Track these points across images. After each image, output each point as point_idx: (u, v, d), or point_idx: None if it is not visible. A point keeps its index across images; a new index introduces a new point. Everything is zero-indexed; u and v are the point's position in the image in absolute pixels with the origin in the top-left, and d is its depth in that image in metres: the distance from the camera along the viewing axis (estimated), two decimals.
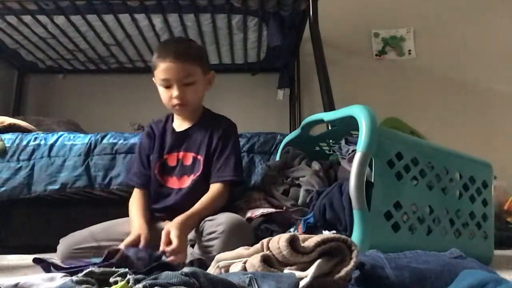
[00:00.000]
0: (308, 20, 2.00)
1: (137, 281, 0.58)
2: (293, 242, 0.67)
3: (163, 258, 1.14)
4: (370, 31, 2.98)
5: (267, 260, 0.68)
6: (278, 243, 0.68)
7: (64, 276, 0.89)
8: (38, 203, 2.15)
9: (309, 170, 1.44)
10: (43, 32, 2.38)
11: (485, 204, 1.35)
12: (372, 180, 1.10)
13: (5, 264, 1.45)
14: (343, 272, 0.67)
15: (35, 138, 1.85)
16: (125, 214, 1.41)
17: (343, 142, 1.36)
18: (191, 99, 1.39)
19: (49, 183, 1.78)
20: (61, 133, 1.89)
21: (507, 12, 2.96)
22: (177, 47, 1.39)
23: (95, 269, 0.67)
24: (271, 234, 1.27)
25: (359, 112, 1.15)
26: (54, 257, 1.22)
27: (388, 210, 1.12)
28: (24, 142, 1.84)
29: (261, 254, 0.69)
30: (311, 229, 1.21)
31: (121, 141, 1.80)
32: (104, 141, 1.80)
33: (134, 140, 1.79)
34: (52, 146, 1.81)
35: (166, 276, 0.57)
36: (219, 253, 1.06)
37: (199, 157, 1.41)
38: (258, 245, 0.74)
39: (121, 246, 1.16)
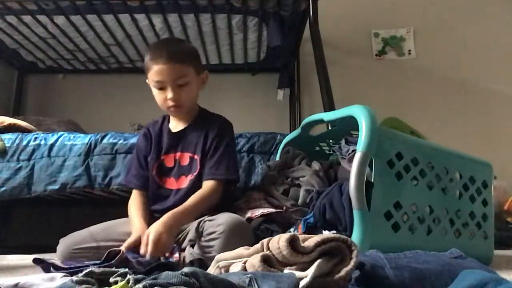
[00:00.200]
0: (308, 20, 2.00)
1: (137, 281, 0.58)
2: (293, 242, 0.67)
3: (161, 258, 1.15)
4: (370, 31, 2.98)
5: (267, 260, 0.68)
6: (278, 243, 0.68)
7: (64, 276, 0.89)
8: (38, 203, 2.15)
9: (309, 170, 1.44)
10: (43, 32, 2.38)
11: (485, 204, 1.35)
12: (372, 180, 1.10)
13: (5, 264, 1.45)
14: (343, 272, 0.67)
15: (35, 138, 1.85)
16: (125, 214, 1.41)
17: (343, 142, 1.36)
18: (186, 100, 1.39)
19: (49, 183, 1.78)
20: (61, 133, 1.89)
21: (507, 12, 2.96)
22: (169, 48, 1.38)
23: (95, 269, 0.67)
24: (271, 234, 1.27)
25: (359, 112, 1.15)
26: (54, 257, 1.22)
27: (388, 210, 1.12)
28: (24, 142, 1.84)
29: (261, 254, 0.69)
30: (311, 229, 1.21)
31: (121, 141, 1.80)
32: (104, 141, 1.81)
33: (134, 140, 1.79)
34: (52, 146, 1.81)
35: (166, 276, 0.57)
36: (219, 253, 1.07)
37: (195, 157, 1.41)
38: (258, 245, 0.74)
39: (122, 248, 1.16)
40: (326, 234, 0.85)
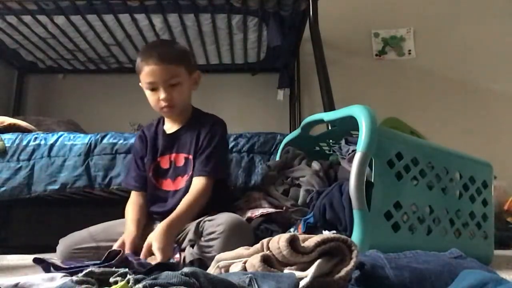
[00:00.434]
0: (308, 20, 2.00)
1: (137, 281, 0.58)
2: (293, 242, 0.67)
3: None
4: (370, 31, 2.98)
5: (267, 260, 0.68)
6: (278, 243, 0.68)
7: (64, 276, 0.89)
8: (38, 203, 2.15)
9: (309, 170, 1.44)
10: (43, 32, 2.38)
11: (485, 204, 1.35)
12: (372, 180, 1.10)
13: (5, 264, 1.45)
14: (343, 272, 0.67)
15: (35, 138, 1.85)
16: (125, 214, 1.41)
17: (343, 142, 1.36)
18: (178, 100, 1.39)
19: (49, 183, 1.78)
20: (61, 133, 1.90)
21: (507, 12, 2.96)
22: (160, 49, 1.38)
23: (95, 269, 0.67)
24: (271, 234, 1.27)
25: (359, 112, 1.15)
26: (54, 257, 1.22)
27: (388, 210, 1.12)
28: (24, 142, 1.84)
29: (261, 254, 0.69)
30: (311, 229, 1.21)
31: (121, 141, 1.80)
32: (104, 141, 1.81)
33: (134, 140, 1.79)
34: (52, 146, 1.81)
35: (166, 276, 0.57)
36: (219, 253, 1.07)
37: (190, 157, 1.41)
38: (258, 245, 0.74)
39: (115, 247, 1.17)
40: (326, 234, 0.85)
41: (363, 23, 2.96)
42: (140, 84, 1.42)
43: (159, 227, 1.23)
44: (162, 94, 1.35)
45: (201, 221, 1.28)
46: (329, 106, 1.82)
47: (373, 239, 1.05)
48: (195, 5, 2.10)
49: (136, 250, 1.22)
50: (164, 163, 1.44)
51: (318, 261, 0.67)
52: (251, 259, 0.70)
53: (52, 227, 2.24)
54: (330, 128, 1.57)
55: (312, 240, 0.68)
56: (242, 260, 0.73)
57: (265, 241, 0.73)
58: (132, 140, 1.79)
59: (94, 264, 0.97)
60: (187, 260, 1.23)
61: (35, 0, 2.04)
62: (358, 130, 1.13)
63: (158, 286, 0.55)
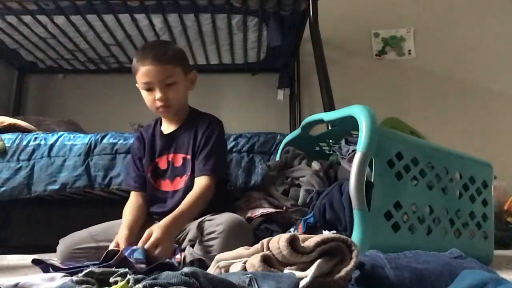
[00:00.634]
0: (308, 20, 2.00)
1: (137, 281, 0.58)
2: (293, 242, 0.67)
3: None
4: (370, 31, 2.98)
5: (267, 260, 0.68)
6: (278, 243, 0.68)
7: (64, 276, 0.89)
8: (38, 203, 2.15)
9: (309, 170, 1.44)
10: (43, 32, 2.38)
11: (485, 204, 1.35)
12: (372, 180, 1.10)
13: (5, 264, 1.45)
14: (343, 272, 0.67)
15: (35, 138, 1.85)
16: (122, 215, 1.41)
17: (343, 142, 1.36)
18: (174, 100, 1.39)
19: (49, 183, 1.78)
20: (61, 133, 1.89)
21: (507, 12, 2.96)
22: (156, 50, 1.38)
23: (95, 269, 0.67)
24: (271, 234, 1.27)
25: (359, 112, 1.15)
26: (53, 258, 1.22)
27: (388, 210, 1.12)
28: (24, 142, 1.84)
29: (261, 254, 0.69)
30: (311, 229, 1.21)
31: (121, 141, 1.80)
32: (104, 141, 1.81)
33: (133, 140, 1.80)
34: (52, 146, 1.81)
35: (166, 276, 0.57)
36: (219, 253, 1.07)
37: (188, 157, 1.41)
38: (258, 245, 0.74)
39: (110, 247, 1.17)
40: (326, 234, 0.85)
41: (363, 23, 2.96)
42: (136, 84, 1.42)
43: (162, 221, 1.23)
44: (157, 94, 1.36)
45: (201, 221, 1.28)
46: (329, 106, 1.82)
47: (373, 239, 1.05)
48: (195, 5, 2.10)
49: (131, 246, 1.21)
50: (162, 164, 1.44)
51: (318, 261, 0.67)
52: (251, 259, 0.70)
53: (52, 227, 2.24)
54: (330, 128, 1.57)
55: (312, 240, 0.68)
56: (242, 260, 0.73)
57: (265, 241, 0.73)
58: (132, 140, 1.79)
59: (94, 264, 0.97)
60: (187, 260, 1.23)
61: (35, 0, 2.04)
62: (358, 130, 1.13)
63: (158, 286, 0.55)
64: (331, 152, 1.58)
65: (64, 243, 1.33)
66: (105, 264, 0.96)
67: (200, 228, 1.26)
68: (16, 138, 1.85)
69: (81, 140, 1.82)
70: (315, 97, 2.67)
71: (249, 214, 1.36)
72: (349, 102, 1.28)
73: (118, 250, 1.01)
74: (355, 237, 1.05)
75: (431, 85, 2.88)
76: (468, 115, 2.82)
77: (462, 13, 2.97)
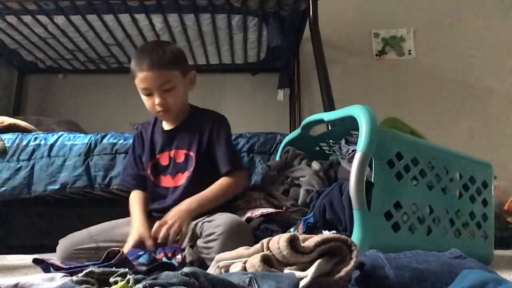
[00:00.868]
0: (308, 20, 2.00)
1: (137, 281, 0.58)
2: (293, 242, 0.67)
3: (164, 259, 1.15)
4: (370, 31, 2.98)
5: (267, 260, 0.68)
6: (278, 243, 0.68)
7: (64, 276, 0.89)
8: (38, 203, 2.15)
9: (309, 170, 1.44)
10: (43, 32, 2.38)
11: (485, 204, 1.35)
12: (372, 180, 1.10)
13: (5, 264, 1.45)
14: (343, 272, 0.67)
15: (35, 138, 1.85)
16: (125, 214, 1.41)
17: (343, 142, 1.36)
18: (173, 104, 1.39)
19: (49, 183, 1.78)
20: (61, 133, 1.90)
21: (507, 12, 2.96)
22: (152, 55, 1.35)
23: (95, 269, 0.67)
24: (271, 234, 1.27)
25: (359, 112, 1.15)
26: (53, 258, 1.22)
27: (388, 210, 1.12)
28: (24, 142, 1.84)
29: (261, 254, 0.69)
30: (311, 229, 1.21)
31: (121, 141, 1.80)
32: (104, 141, 1.81)
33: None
34: (52, 146, 1.81)
35: (166, 276, 0.57)
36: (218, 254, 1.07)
37: (191, 153, 1.41)
38: (258, 245, 0.74)
39: (125, 249, 1.18)
40: (326, 234, 0.85)
41: (363, 23, 2.96)
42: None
43: (179, 205, 1.29)
44: (156, 100, 1.36)
45: (198, 222, 1.28)
46: (329, 106, 1.82)
47: (373, 239, 1.05)
48: (195, 5, 2.10)
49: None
50: (164, 160, 1.44)
51: (318, 261, 0.67)
52: (251, 259, 0.70)
53: (52, 227, 2.24)
54: (330, 128, 1.57)
55: (312, 240, 0.68)
56: (242, 260, 0.73)
57: (265, 241, 0.73)
58: (132, 140, 1.79)
59: (94, 264, 0.97)
60: (187, 260, 1.23)
61: (35, 0, 2.04)
62: (358, 130, 1.13)
63: (158, 286, 0.55)
64: (331, 152, 1.58)
65: (64, 243, 1.33)
66: (105, 264, 0.96)
67: (199, 229, 1.26)
68: (16, 138, 1.85)
69: (81, 140, 1.82)
70: (315, 97, 2.67)
71: (249, 214, 1.36)
72: (349, 102, 1.28)
73: (119, 250, 1.00)
74: (355, 237, 1.05)
75: (431, 85, 2.88)
76: (468, 115, 2.83)
77: (462, 13, 2.97)
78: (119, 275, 0.64)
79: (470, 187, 1.32)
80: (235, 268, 0.73)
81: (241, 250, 0.77)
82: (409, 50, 2.95)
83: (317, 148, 1.63)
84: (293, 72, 2.82)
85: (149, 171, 1.44)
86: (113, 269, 0.67)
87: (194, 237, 1.27)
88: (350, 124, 1.23)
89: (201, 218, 1.29)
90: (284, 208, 1.37)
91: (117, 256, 0.93)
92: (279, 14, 2.15)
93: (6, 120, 2.01)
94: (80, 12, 2.16)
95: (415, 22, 2.97)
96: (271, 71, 2.90)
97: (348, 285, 0.69)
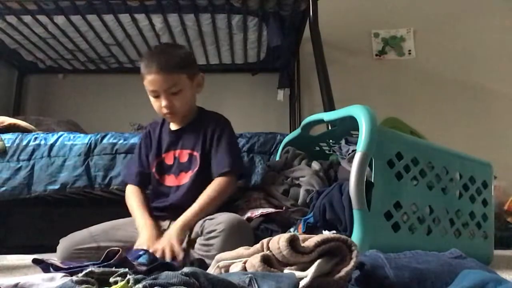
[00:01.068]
0: (308, 20, 2.00)
1: (137, 281, 0.58)
2: (293, 242, 0.67)
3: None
4: (370, 31, 2.98)
5: (267, 260, 0.68)
6: (278, 243, 0.68)
7: (64, 276, 0.89)
8: (38, 203, 2.15)
9: (309, 170, 1.44)
10: (43, 32, 2.38)
11: (485, 204, 1.35)
12: (372, 180, 1.10)
13: (5, 264, 1.45)
14: (343, 272, 0.67)
15: (35, 138, 1.85)
16: (125, 214, 1.41)
17: (343, 142, 1.36)
18: (180, 107, 1.41)
19: (49, 183, 1.78)
20: (61, 133, 1.90)
21: (507, 12, 2.96)
22: (160, 58, 1.38)
23: (95, 269, 0.67)
24: (271, 234, 1.27)
25: (359, 112, 1.15)
26: (54, 258, 1.22)
27: (388, 210, 1.12)
28: (24, 142, 1.84)
29: (261, 254, 0.69)
30: (311, 229, 1.21)
31: (121, 141, 1.80)
32: (104, 141, 1.81)
33: (134, 140, 1.80)
34: (52, 146, 1.81)
35: (166, 276, 0.57)
36: (219, 251, 1.08)
37: (195, 153, 1.43)
38: (258, 245, 0.74)
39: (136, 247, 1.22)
40: (326, 234, 0.85)
41: (363, 23, 2.96)
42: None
43: (174, 228, 1.28)
44: (163, 102, 1.38)
45: (200, 220, 1.29)
46: (329, 106, 1.82)
47: (373, 239, 1.05)
48: (195, 5, 2.10)
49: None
50: (169, 159, 1.46)
51: (318, 261, 0.67)
52: (251, 259, 0.70)
53: (52, 227, 2.24)
54: (330, 128, 1.57)
55: (312, 240, 0.68)
56: (242, 260, 0.73)
57: (265, 241, 0.73)
58: (132, 140, 1.79)
59: (94, 264, 0.97)
60: (186, 258, 1.23)
61: (35, 0, 2.04)
62: (358, 130, 1.13)
63: (158, 286, 0.55)
64: (331, 152, 1.58)
65: (65, 243, 1.33)
66: (105, 264, 0.96)
67: (200, 227, 1.27)
68: (16, 138, 1.85)
69: (81, 140, 1.82)
70: (315, 97, 2.67)
71: (249, 214, 1.36)
72: (349, 102, 1.28)
73: (119, 250, 1.01)
74: (355, 237, 1.05)
75: (431, 85, 2.88)
76: (468, 114, 2.82)
77: (462, 13, 2.96)
78: (119, 275, 0.64)
79: (470, 187, 1.32)
80: (235, 268, 0.73)
81: (241, 250, 0.77)
82: (409, 50, 2.95)
83: (317, 148, 1.63)
84: (293, 72, 2.82)
85: (154, 170, 1.46)
86: (113, 269, 0.67)
87: (195, 236, 1.27)
88: (350, 124, 1.23)
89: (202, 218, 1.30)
90: (284, 208, 1.37)
91: (117, 256, 0.93)
92: (279, 14, 2.15)
93: (6, 120, 2.01)
94: (80, 12, 2.16)
95: (415, 22, 2.97)
96: (271, 71, 2.89)
97: (348, 285, 0.69)
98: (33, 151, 1.81)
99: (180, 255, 1.20)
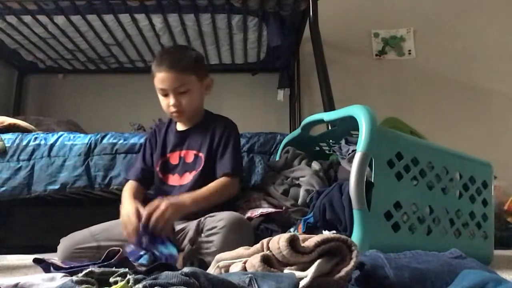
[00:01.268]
0: (308, 20, 2.00)
1: (137, 281, 0.58)
2: (293, 242, 0.67)
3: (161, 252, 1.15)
4: (370, 31, 2.98)
5: (267, 260, 0.68)
6: (278, 243, 0.68)
7: (64, 276, 0.89)
8: (38, 203, 2.15)
9: (309, 170, 1.44)
10: (43, 32, 2.38)
11: (485, 204, 1.35)
12: (372, 180, 1.10)
13: (5, 264, 1.45)
14: (343, 272, 0.67)
15: (35, 138, 1.85)
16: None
17: (343, 142, 1.36)
18: (187, 107, 1.43)
19: (49, 183, 1.78)
20: (61, 133, 1.90)
21: (507, 12, 2.96)
22: (172, 57, 1.43)
23: (95, 269, 0.67)
24: (271, 234, 1.27)
25: (359, 112, 1.15)
26: (54, 257, 1.22)
27: (388, 210, 1.12)
28: (24, 142, 1.84)
29: (261, 254, 0.69)
30: (311, 229, 1.21)
31: (121, 141, 1.80)
32: (104, 141, 1.81)
33: (134, 140, 1.80)
34: (52, 146, 1.81)
35: (166, 276, 0.57)
36: (219, 248, 1.09)
37: (200, 154, 1.45)
38: (258, 245, 0.74)
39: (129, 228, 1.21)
40: (326, 234, 0.85)
41: (363, 23, 2.96)
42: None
43: (177, 198, 1.29)
44: (171, 100, 1.41)
45: (201, 218, 1.29)
46: (329, 106, 1.82)
47: (373, 239, 1.05)
48: (195, 5, 2.10)
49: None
50: (174, 159, 1.48)
51: (318, 261, 0.67)
52: (251, 259, 0.70)
53: (52, 227, 2.24)
54: (330, 128, 1.57)
55: (312, 240, 0.68)
56: (242, 260, 0.73)
57: (265, 241, 0.73)
58: (132, 140, 1.80)
59: (94, 264, 0.97)
60: (186, 258, 1.23)
61: (35, 0, 2.04)
62: (358, 130, 1.13)
63: (158, 286, 0.55)
64: (331, 152, 1.58)
65: (65, 243, 1.33)
66: (105, 264, 0.96)
67: (201, 224, 1.28)
68: (16, 138, 1.85)
69: (81, 140, 1.82)
70: (315, 97, 2.67)
71: (249, 214, 1.36)
72: (349, 102, 1.28)
73: (119, 250, 1.01)
74: (355, 237, 1.05)
75: (431, 85, 2.88)
76: (468, 114, 2.82)
77: (462, 13, 2.96)
78: (119, 275, 0.64)
79: (470, 187, 1.32)
80: (235, 268, 0.74)
81: (241, 250, 0.77)
82: (409, 50, 2.95)
83: (317, 148, 1.63)
84: (293, 72, 2.82)
85: (158, 169, 1.48)
86: (113, 269, 0.67)
87: (195, 234, 1.28)
88: (350, 124, 1.23)
89: (203, 216, 1.30)
90: (284, 208, 1.37)
91: (117, 256, 0.94)
92: (279, 14, 2.15)
93: (6, 120, 2.01)
94: (80, 12, 2.16)
95: (415, 22, 2.97)
96: (271, 71, 2.89)
97: (348, 285, 0.69)
98: (33, 151, 1.81)
99: (166, 228, 1.19)
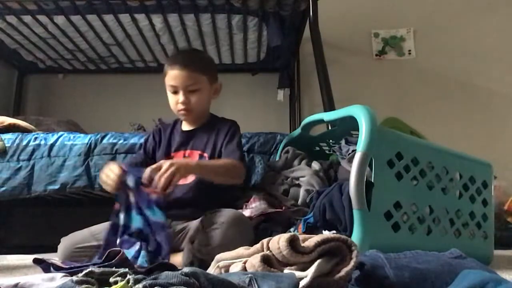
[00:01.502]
0: (308, 20, 2.00)
1: (137, 281, 0.58)
2: (293, 242, 0.67)
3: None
4: (370, 31, 2.98)
5: (267, 260, 0.68)
6: (278, 243, 0.68)
7: (64, 276, 0.89)
8: (38, 203, 2.15)
9: (309, 170, 1.44)
10: (43, 32, 2.38)
11: (485, 204, 1.35)
12: (372, 180, 1.10)
13: (5, 264, 1.45)
14: (343, 272, 0.67)
15: (35, 138, 1.85)
16: None
17: (343, 142, 1.36)
18: (195, 105, 1.45)
19: (49, 183, 1.78)
20: (61, 133, 1.90)
21: (507, 12, 2.96)
22: (185, 56, 1.49)
23: (95, 269, 0.67)
24: (271, 234, 1.27)
25: (359, 112, 1.15)
26: (54, 257, 1.22)
27: (388, 210, 1.12)
28: (24, 142, 1.84)
29: (261, 254, 0.69)
30: (311, 229, 1.21)
31: (121, 141, 1.80)
32: (104, 141, 1.81)
33: (134, 140, 1.80)
34: (52, 146, 1.81)
35: (166, 276, 0.57)
36: (219, 244, 1.09)
37: (205, 154, 1.46)
38: (258, 245, 0.74)
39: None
40: (326, 234, 0.85)
41: (363, 23, 2.96)
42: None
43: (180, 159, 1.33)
44: (180, 98, 1.43)
45: (202, 217, 1.30)
46: (329, 106, 1.82)
47: (373, 239, 1.05)
48: (195, 5, 2.10)
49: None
50: (178, 158, 1.48)
51: (318, 261, 0.67)
52: (251, 259, 0.70)
53: (52, 227, 2.24)
54: (330, 128, 1.57)
55: (312, 240, 0.68)
56: (242, 260, 0.73)
57: (265, 241, 0.73)
58: (132, 140, 1.80)
59: (94, 264, 0.97)
60: (186, 257, 1.23)
61: (35, 0, 2.04)
62: (358, 130, 1.13)
63: (158, 286, 0.55)
64: (331, 152, 1.58)
65: (66, 242, 1.33)
66: (105, 264, 0.96)
67: (202, 221, 1.28)
68: (16, 138, 1.85)
69: (81, 140, 1.82)
70: (315, 97, 2.67)
71: (249, 214, 1.36)
72: (349, 102, 1.28)
73: (120, 250, 1.01)
74: (355, 237, 1.05)
75: (431, 85, 2.88)
76: (468, 115, 2.82)
77: (462, 13, 2.96)
78: (119, 275, 0.64)
79: (470, 187, 1.32)
80: (235, 268, 0.74)
81: (241, 250, 0.77)
82: (409, 50, 2.95)
83: (317, 148, 1.63)
84: (293, 72, 2.82)
85: None
86: (113, 269, 0.67)
87: (196, 231, 1.28)
88: (350, 124, 1.23)
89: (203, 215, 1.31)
90: (284, 208, 1.37)
91: (117, 256, 0.93)
92: (279, 14, 2.15)
93: (6, 120, 2.01)
94: (80, 12, 2.16)
95: (415, 22, 2.97)
96: (271, 71, 2.89)
97: (348, 285, 0.69)
98: (33, 151, 1.81)
99: (172, 183, 1.17)
